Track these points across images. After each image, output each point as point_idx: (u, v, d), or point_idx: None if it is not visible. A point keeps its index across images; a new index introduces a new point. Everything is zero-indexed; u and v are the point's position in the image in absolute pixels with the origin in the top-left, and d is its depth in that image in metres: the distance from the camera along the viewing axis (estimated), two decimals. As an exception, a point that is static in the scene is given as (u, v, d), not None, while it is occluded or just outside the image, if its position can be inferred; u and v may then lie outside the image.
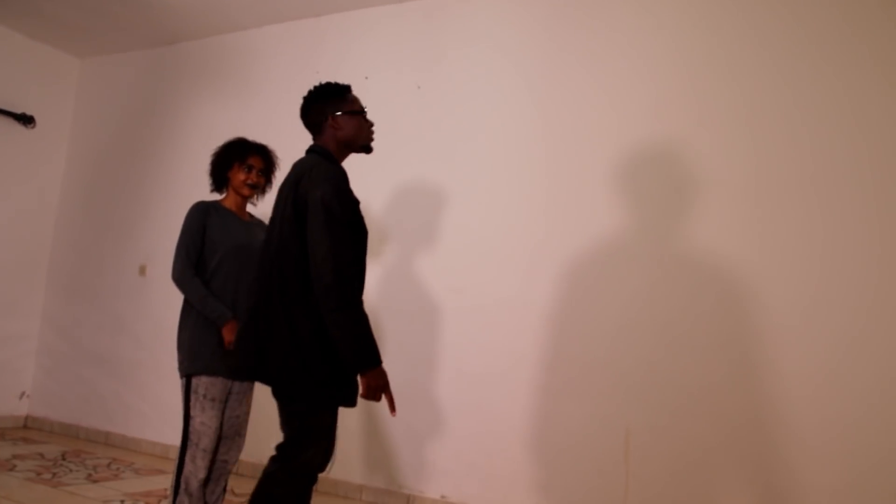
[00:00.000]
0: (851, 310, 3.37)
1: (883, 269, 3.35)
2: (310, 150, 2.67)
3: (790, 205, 3.56)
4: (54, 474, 4.37)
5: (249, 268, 3.22)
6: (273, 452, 2.53)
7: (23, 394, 6.04)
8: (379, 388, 2.39)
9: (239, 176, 3.30)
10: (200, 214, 3.22)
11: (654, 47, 3.98)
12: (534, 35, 4.34)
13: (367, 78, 4.74)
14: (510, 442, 4.03)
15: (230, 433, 3.21)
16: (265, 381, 2.47)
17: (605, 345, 3.87)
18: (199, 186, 3.45)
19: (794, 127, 3.60)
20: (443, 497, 4.18)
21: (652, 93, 3.95)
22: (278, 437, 4.72)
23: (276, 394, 2.50)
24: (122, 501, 3.88)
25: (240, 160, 3.30)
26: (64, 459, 4.84)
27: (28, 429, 5.94)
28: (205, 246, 3.19)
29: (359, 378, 2.43)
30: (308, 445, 2.46)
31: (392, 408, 2.49)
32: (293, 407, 2.48)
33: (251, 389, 3.29)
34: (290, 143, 4.82)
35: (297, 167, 2.59)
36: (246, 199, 3.37)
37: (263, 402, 4.60)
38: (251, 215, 3.43)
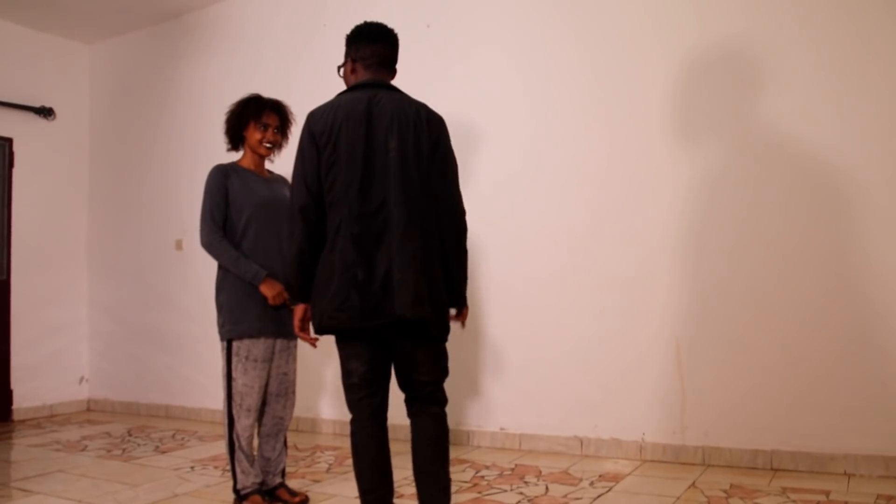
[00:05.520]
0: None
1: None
2: (393, 88, 2.54)
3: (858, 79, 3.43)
4: (124, 450, 4.51)
5: (278, 223, 3.23)
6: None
7: (82, 378, 6.21)
8: None
9: (255, 135, 3.28)
10: (220, 177, 3.22)
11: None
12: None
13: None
14: (563, 367, 4.06)
15: (281, 391, 3.27)
16: (419, 320, 2.36)
17: (646, 261, 3.85)
18: (223, 154, 3.45)
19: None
20: (502, 429, 4.24)
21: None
22: (328, 391, 4.83)
23: (423, 334, 2.42)
24: (192, 467, 4.00)
25: (255, 118, 3.27)
26: (130, 435, 4.98)
27: (91, 411, 6.12)
28: (230, 207, 3.19)
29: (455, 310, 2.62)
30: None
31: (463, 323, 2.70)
32: (441, 344, 2.51)
33: (296, 345, 3.32)
34: (304, 98, 4.81)
35: (404, 102, 2.46)
36: (264, 157, 3.36)
37: (309, 358, 4.71)
38: (270, 172, 3.42)
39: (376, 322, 2.34)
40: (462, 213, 2.53)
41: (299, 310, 2.53)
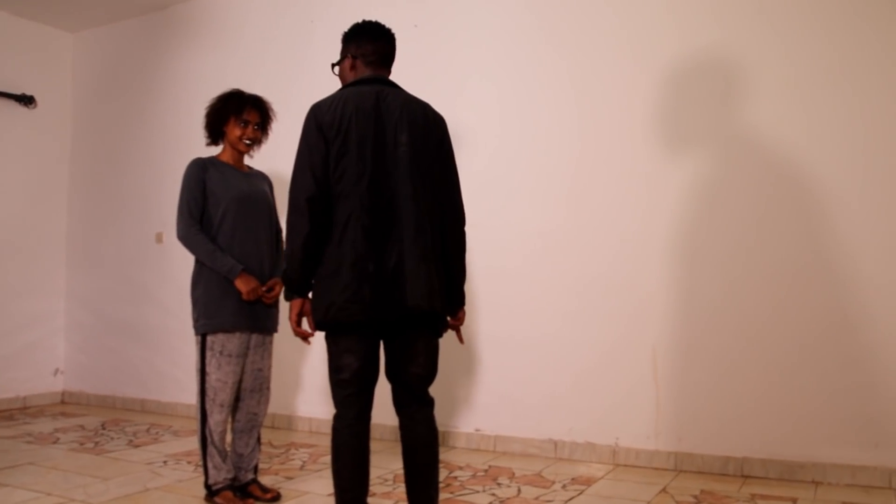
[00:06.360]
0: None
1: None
2: (396, 85, 2.55)
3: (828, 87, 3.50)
4: (97, 443, 4.48)
5: (255, 218, 3.23)
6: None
7: (56, 370, 6.16)
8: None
9: (235, 132, 3.27)
10: (198, 170, 3.21)
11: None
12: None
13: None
14: (540, 370, 4.07)
15: (256, 387, 3.26)
16: (431, 312, 2.41)
17: (622, 264, 3.88)
18: (206, 147, 3.44)
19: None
20: (477, 430, 4.25)
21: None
22: (305, 389, 4.82)
23: (429, 328, 2.48)
24: (165, 462, 3.98)
25: (236, 114, 3.26)
26: (104, 429, 4.95)
27: (65, 404, 6.07)
28: (207, 201, 3.18)
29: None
30: None
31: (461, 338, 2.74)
32: (437, 339, 2.55)
33: (271, 341, 3.32)
34: (290, 93, 4.82)
35: (411, 100, 2.51)
36: (243, 153, 3.35)
37: (285, 355, 4.70)
38: (250, 167, 3.42)
39: (388, 314, 2.35)
40: (463, 212, 2.59)
41: (296, 304, 2.46)
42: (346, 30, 2.62)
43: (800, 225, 3.51)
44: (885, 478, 3.27)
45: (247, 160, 3.42)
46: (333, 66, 2.66)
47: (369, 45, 2.56)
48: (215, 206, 3.18)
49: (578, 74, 4.07)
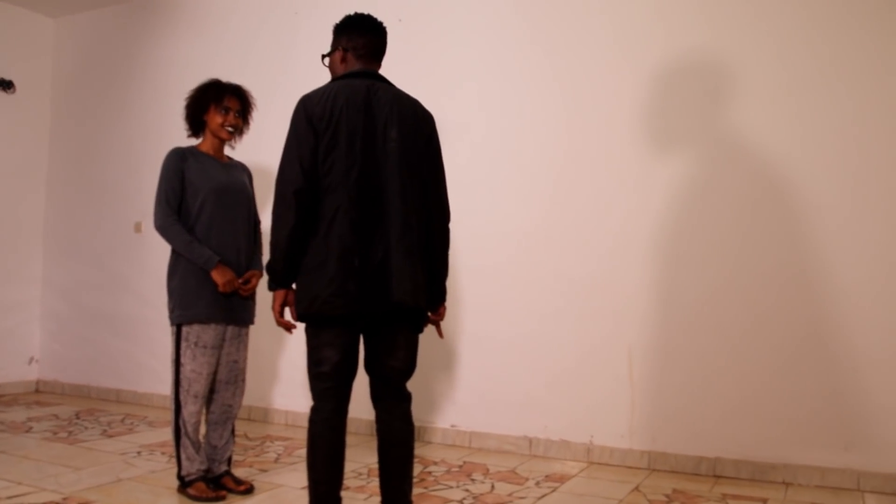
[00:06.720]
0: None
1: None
2: (387, 80, 2.56)
3: (820, 94, 3.51)
4: (70, 433, 4.44)
5: (233, 209, 3.21)
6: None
7: (31, 359, 6.10)
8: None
9: (216, 119, 3.24)
10: (177, 160, 3.18)
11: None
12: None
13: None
14: (517, 368, 4.09)
15: (231, 378, 3.25)
16: (415, 308, 2.44)
17: (602, 265, 3.90)
18: (186, 136, 3.41)
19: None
20: (453, 426, 4.26)
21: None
22: (281, 381, 4.80)
23: (411, 323, 2.50)
24: (139, 452, 3.96)
25: (216, 102, 3.23)
26: (78, 418, 4.91)
27: (40, 393, 6.02)
28: (185, 191, 3.16)
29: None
30: None
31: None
32: (417, 335, 2.56)
33: (247, 333, 3.31)
34: (271, 84, 4.81)
35: (401, 96, 2.51)
36: (224, 142, 3.32)
37: (262, 347, 4.69)
38: (229, 158, 3.40)
39: (372, 309, 2.36)
40: (449, 210, 2.60)
41: (280, 295, 2.45)
42: (337, 22, 2.60)
43: (783, 231, 3.53)
44: (854, 480, 3.31)
45: (228, 151, 3.40)
46: (324, 57, 2.65)
47: (360, 38, 2.56)
48: (193, 197, 3.16)
49: (565, 72, 4.08)
